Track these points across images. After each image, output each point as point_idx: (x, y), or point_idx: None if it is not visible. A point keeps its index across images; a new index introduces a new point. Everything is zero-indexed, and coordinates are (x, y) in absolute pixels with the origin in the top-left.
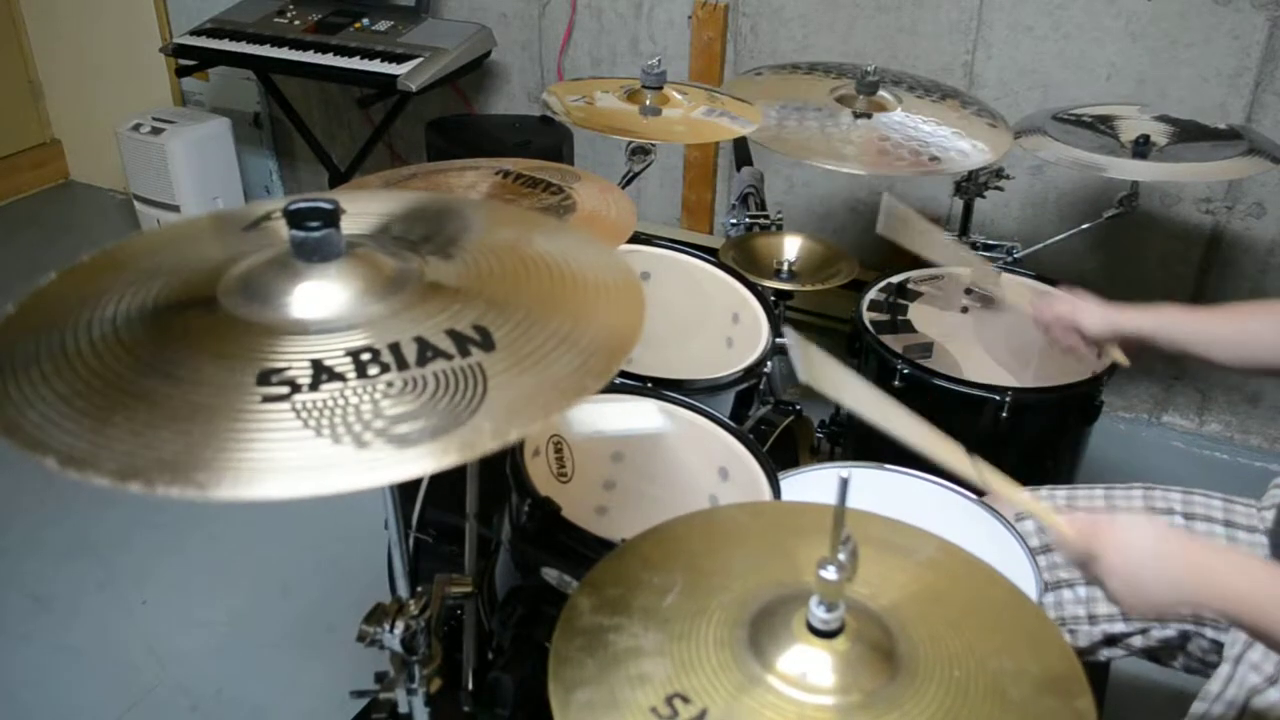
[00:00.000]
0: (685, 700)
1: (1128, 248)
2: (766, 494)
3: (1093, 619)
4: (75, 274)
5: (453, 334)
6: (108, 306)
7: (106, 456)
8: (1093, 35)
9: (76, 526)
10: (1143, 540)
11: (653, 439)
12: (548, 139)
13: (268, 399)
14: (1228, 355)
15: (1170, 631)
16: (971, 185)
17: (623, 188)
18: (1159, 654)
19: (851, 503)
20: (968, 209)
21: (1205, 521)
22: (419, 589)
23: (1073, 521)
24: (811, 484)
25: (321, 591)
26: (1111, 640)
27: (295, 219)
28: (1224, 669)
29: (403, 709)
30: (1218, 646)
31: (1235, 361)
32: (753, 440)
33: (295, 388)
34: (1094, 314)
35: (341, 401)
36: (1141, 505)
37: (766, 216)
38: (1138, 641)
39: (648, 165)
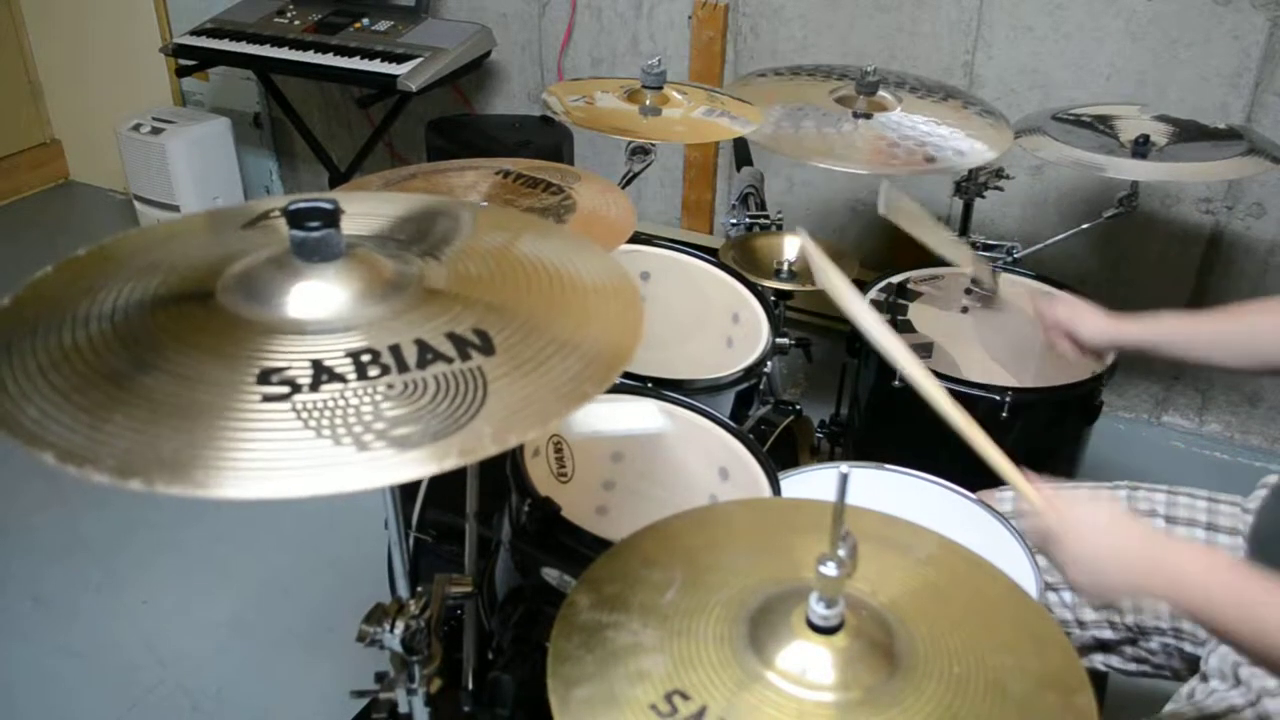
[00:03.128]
0: (685, 697)
1: (1128, 248)
2: (767, 494)
3: (1081, 624)
4: (72, 268)
5: (453, 337)
6: (105, 301)
7: (105, 453)
8: (1093, 35)
9: (75, 526)
10: (1097, 521)
11: (653, 439)
12: (548, 139)
13: (268, 398)
14: (1234, 358)
15: (1153, 644)
16: (971, 185)
17: (623, 188)
18: (1154, 668)
19: (851, 502)
20: (968, 209)
21: (1187, 526)
22: (419, 589)
23: (1040, 494)
24: (811, 484)
25: (322, 591)
26: (1103, 646)
27: (295, 219)
28: (1193, 681)
29: (403, 709)
30: (1196, 659)
31: (1242, 363)
32: (753, 440)
33: (295, 388)
34: (1092, 324)
35: (342, 402)
36: (1125, 506)
37: (766, 216)
38: (1129, 650)
39: (648, 165)
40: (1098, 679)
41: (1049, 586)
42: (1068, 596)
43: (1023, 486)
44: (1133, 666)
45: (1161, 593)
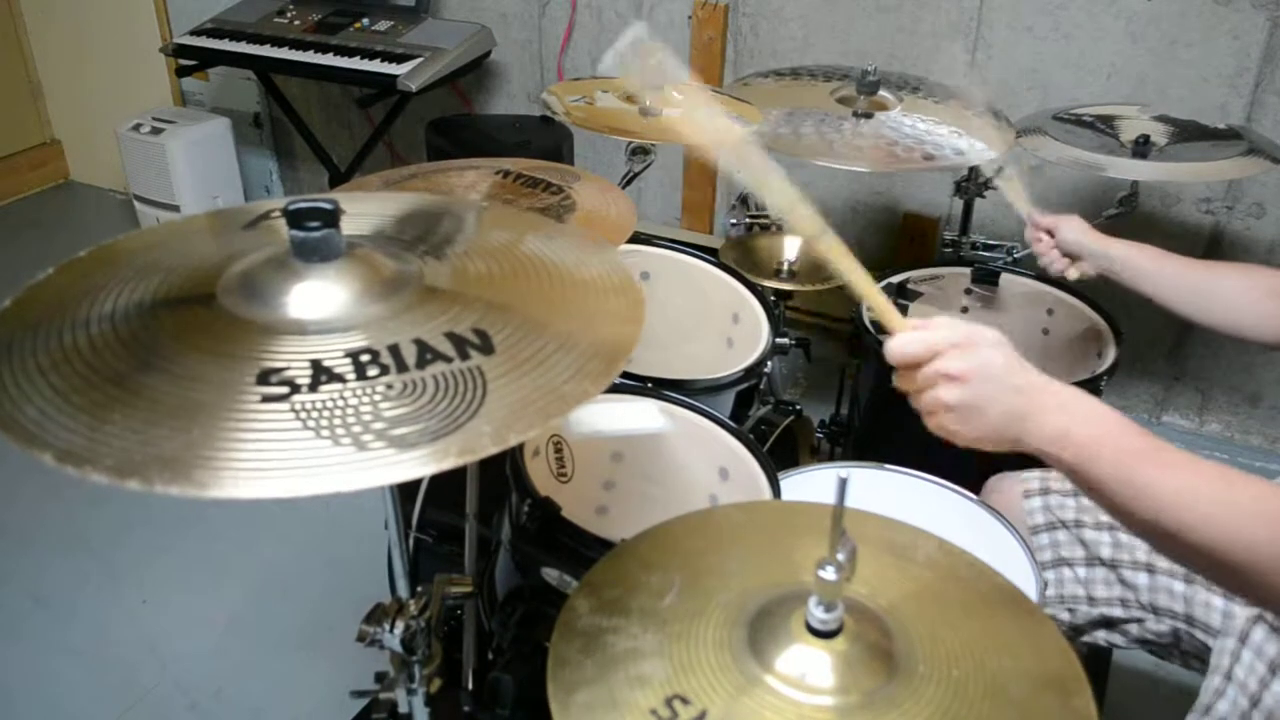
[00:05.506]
0: (685, 701)
1: None
2: (766, 494)
3: (1091, 600)
4: (73, 269)
5: (452, 337)
6: (106, 302)
7: (105, 453)
8: (1093, 35)
9: (75, 526)
10: (995, 353)
11: (653, 439)
12: (548, 139)
13: (267, 399)
14: (1187, 306)
15: (1163, 626)
16: (972, 185)
17: (623, 188)
18: (1155, 648)
19: (851, 503)
20: (968, 209)
21: None
22: (419, 589)
23: (918, 323)
24: (811, 484)
25: (321, 591)
26: (1109, 623)
27: (295, 219)
28: (1215, 681)
29: (403, 709)
30: (1208, 649)
31: (1194, 314)
32: (753, 440)
33: (294, 388)
34: (1073, 226)
35: (341, 403)
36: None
37: (766, 216)
38: (1134, 630)
39: (648, 165)
40: (1099, 657)
41: (1062, 561)
42: (1082, 572)
43: (890, 313)
44: (1136, 647)
45: (1039, 441)
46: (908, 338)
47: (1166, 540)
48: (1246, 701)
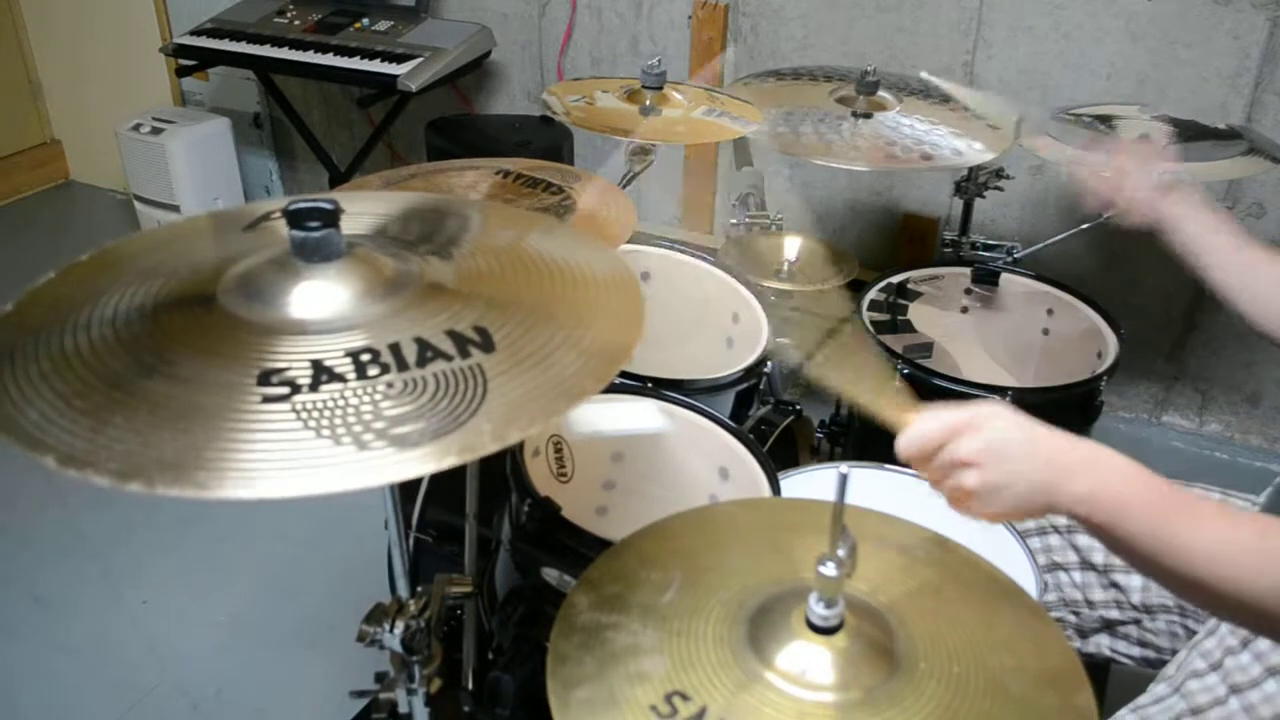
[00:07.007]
0: (685, 698)
1: (1127, 248)
2: (766, 494)
3: (1090, 604)
4: (74, 273)
5: (452, 335)
6: (107, 306)
7: (106, 456)
8: (1093, 35)
9: (76, 526)
10: (1004, 426)
11: (653, 439)
12: (548, 139)
13: (268, 399)
14: (1231, 288)
15: (1159, 624)
16: (971, 185)
17: (623, 188)
18: (1153, 648)
19: (851, 502)
20: (968, 209)
21: None
22: (419, 589)
23: (920, 415)
24: (811, 484)
25: (322, 591)
26: (1110, 626)
27: (295, 219)
28: (1180, 654)
29: (403, 709)
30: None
31: (1234, 297)
32: (753, 440)
33: (295, 388)
34: (1145, 177)
35: (341, 402)
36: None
37: (766, 216)
38: (1134, 633)
39: (648, 165)
40: (1100, 669)
41: (1056, 566)
42: (1077, 576)
43: (893, 415)
44: (1137, 651)
45: (1068, 505)
46: (912, 434)
47: (1198, 591)
48: (1205, 666)
